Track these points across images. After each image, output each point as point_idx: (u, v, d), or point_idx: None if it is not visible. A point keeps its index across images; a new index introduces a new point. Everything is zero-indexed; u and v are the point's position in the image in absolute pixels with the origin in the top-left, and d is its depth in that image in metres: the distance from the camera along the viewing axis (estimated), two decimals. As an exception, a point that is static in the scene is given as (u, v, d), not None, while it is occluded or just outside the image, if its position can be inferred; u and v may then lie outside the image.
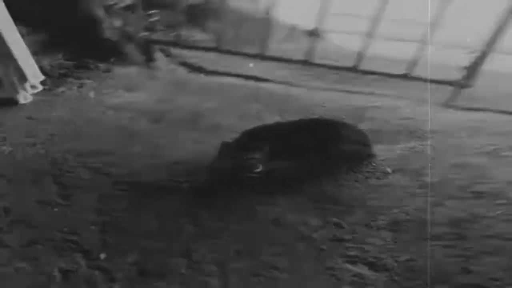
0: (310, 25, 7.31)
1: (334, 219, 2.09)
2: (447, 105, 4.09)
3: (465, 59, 4.12)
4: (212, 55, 5.17)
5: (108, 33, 4.27)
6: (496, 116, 3.76)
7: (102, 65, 4.09)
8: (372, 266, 1.78)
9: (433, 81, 4.31)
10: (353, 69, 4.39)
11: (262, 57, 4.62)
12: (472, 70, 4.04)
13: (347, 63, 4.59)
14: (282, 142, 2.50)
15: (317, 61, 4.75)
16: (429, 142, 3.03)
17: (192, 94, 3.82)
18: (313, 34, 8.13)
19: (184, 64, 4.84)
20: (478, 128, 3.36)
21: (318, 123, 2.81)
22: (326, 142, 2.56)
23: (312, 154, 2.54)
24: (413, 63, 4.20)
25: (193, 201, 2.18)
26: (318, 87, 4.45)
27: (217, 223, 2.00)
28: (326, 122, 2.87)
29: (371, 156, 2.72)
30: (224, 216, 2.06)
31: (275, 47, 6.47)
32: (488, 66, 4.46)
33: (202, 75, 4.53)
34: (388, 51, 6.96)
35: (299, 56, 4.83)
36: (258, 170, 2.34)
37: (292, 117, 3.32)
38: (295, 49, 5.76)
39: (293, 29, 8.23)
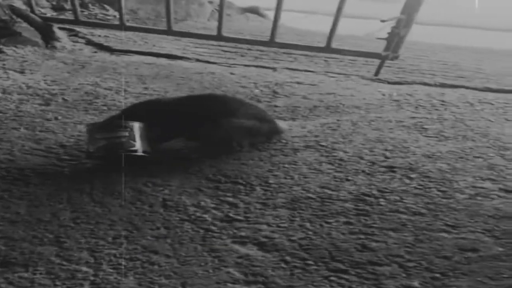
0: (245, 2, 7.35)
1: (230, 199, 2.08)
2: (373, 79, 4.13)
3: (388, 31, 4.14)
4: (124, 34, 5.12)
5: None
6: (425, 89, 3.83)
7: (-9, 46, 3.99)
8: (262, 246, 1.77)
9: (358, 54, 4.34)
10: (270, 43, 4.38)
11: (171, 33, 4.57)
12: (397, 41, 4.07)
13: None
14: (170, 119, 2.47)
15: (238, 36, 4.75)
16: (347, 117, 3.05)
17: (93, 74, 3.76)
18: (248, 11, 8.15)
19: (91, 43, 4.76)
20: (404, 101, 3.41)
21: (208, 98, 2.79)
22: (218, 117, 2.54)
23: (206, 131, 2.51)
24: (333, 36, 4.21)
25: (74, 186, 2.14)
26: (238, 64, 4.43)
27: (98, 208, 1.97)
28: (217, 98, 2.86)
29: (273, 132, 2.71)
30: (107, 200, 2.02)
31: (199, 25, 6.47)
32: (415, 37, 4.54)
33: (108, 54, 4.46)
34: (318, 26, 7.06)
35: (230, 34, 4.83)
36: (133, 149, 2.29)
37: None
38: (226, 27, 5.73)
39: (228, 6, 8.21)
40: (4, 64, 3.81)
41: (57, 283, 1.55)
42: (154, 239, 1.79)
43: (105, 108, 3.05)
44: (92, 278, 1.58)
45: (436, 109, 3.32)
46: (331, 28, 4.13)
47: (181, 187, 2.17)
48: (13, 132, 2.64)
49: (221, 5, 4.36)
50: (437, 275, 1.63)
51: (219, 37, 4.51)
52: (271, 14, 8.38)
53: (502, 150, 2.60)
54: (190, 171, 2.32)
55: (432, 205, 2.07)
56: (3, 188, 2.10)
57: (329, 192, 2.17)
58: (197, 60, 4.53)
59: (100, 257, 1.68)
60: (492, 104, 3.47)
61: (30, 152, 2.43)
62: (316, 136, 2.77)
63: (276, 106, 3.27)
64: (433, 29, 8.34)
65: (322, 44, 4.35)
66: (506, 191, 2.19)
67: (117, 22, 4.87)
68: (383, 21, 3.80)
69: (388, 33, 4.03)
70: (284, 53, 5.08)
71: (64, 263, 1.64)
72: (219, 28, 4.42)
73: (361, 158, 2.51)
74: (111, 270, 1.61)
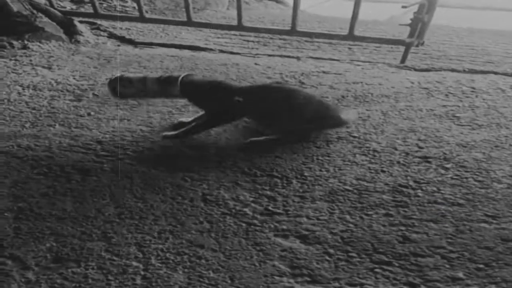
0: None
1: (268, 192, 2.15)
2: (400, 66, 4.16)
3: (410, 15, 4.16)
4: (145, 26, 5.18)
5: (16, 7, 4.23)
6: (454, 75, 3.86)
7: (16, 42, 4.07)
8: (304, 239, 1.84)
9: (382, 41, 4.37)
10: (292, 32, 4.43)
11: (191, 24, 4.63)
12: (421, 27, 4.10)
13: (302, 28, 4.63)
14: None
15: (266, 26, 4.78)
16: (377, 107, 3.10)
17: (119, 68, 3.83)
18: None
19: (114, 36, 4.83)
20: (433, 89, 3.45)
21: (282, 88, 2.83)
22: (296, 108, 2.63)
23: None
24: (355, 23, 4.24)
25: (115, 182, 2.22)
26: (261, 54, 4.48)
27: (141, 203, 2.05)
28: (288, 87, 2.93)
29: (338, 123, 2.78)
30: (148, 196, 2.10)
31: (219, 14, 6.52)
32: (439, 21, 4.54)
33: (131, 47, 4.53)
34: (339, 11, 7.08)
35: (250, 23, 4.89)
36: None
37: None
38: (246, 16, 5.76)
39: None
40: (31, 60, 3.90)
41: (110, 278, 1.64)
42: (199, 234, 1.86)
43: (135, 102, 3.12)
44: (142, 272, 1.66)
45: (467, 97, 3.36)
46: (352, 15, 4.16)
47: (218, 182, 2.24)
48: (49, 129, 2.72)
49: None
50: (481, 265, 1.69)
51: (240, 27, 4.56)
52: (290, 0, 8.41)
53: (538, 138, 2.66)
54: (224, 165, 2.39)
55: (470, 195, 2.13)
56: (47, 185, 2.18)
57: (366, 184, 2.23)
58: (220, 51, 4.59)
59: (148, 252, 1.76)
60: (524, 90, 3.51)
61: (69, 149, 2.51)
62: (347, 127, 2.82)
63: (304, 97, 3.32)
64: (457, 12, 8.33)
65: (345, 31, 4.38)
66: (545, 179, 2.25)
67: (136, 14, 4.92)
68: (404, 7, 3.83)
69: (411, 19, 4.06)
70: (307, 41, 5.14)
71: (114, 258, 1.73)
72: (239, 18, 4.46)
73: (395, 148, 2.57)
74: (160, 265, 1.70)
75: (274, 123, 2.65)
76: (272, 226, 1.92)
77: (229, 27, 4.86)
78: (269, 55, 4.44)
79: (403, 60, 4.22)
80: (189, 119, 2.79)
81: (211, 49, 4.61)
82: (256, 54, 4.47)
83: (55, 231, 1.86)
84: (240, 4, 4.45)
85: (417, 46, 4.20)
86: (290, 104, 2.60)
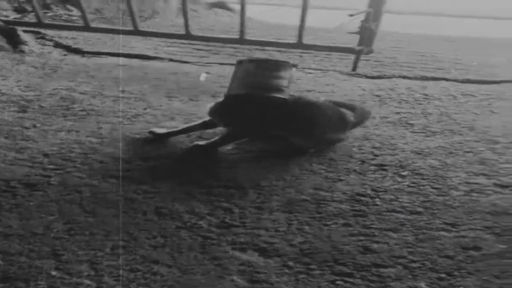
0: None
1: (224, 204, 2.11)
2: (352, 73, 4.17)
3: (357, 22, 4.18)
4: (93, 35, 5.10)
5: None
6: (406, 82, 3.88)
7: (-43, 55, 3.95)
8: (262, 252, 1.80)
9: (332, 49, 4.37)
10: (241, 41, 4.40)
11: (137, 33, 4.56)
12: (369, 34, 4.12)
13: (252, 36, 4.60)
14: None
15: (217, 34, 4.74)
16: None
17: (66, 78, 3.74)
18: (216, 6, 8.14)
19: (60, 45, 4.73)
20: (385, 96, 3.46)
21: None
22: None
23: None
24: (303, 32, 4.22)
25: (63, 196, 2.14)
26: (212, 63, 4.44)
27: (91, 218, 1.98)
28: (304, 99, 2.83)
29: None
30: (98, 210, 2.04)
31: (168, 22, 6.46)
32: (388, 27, 4.57)
33: (78, 56, 4.44)
34: (289, 18, 7.08)
35: (199, 32, 4.84)
36: None
37: (183, 96, 3.32)
38: (194, 24, 5.71)
39: (193, 2, 8.19)
40: (-27, 72, 3.79)
41: (60, 298, 1.57)
42: (153, 249, 1.81)
43: (84, 113, 3.04)
44: (95, 291, 1.60)
45: (420, 103, 3.38)
46: (300, 24, 4.15)
47: (172, 194, 2.18)
48: (-8, 142, 2.63)
49: (184, 3, 4.33)
50: (443, 275, 1.69)
51: (188, 35, 4.50)
52: (239, 8, 8.33)
53: (492, 144, 2.68)
54: (178, 176, 2.34)
55: (428, 203, 2.13)
56: (-9, 201, 2.09)
57: (323, 193, 2.21)
58: (170, 60, 4.52)
59: (100, 269, 1.70)
60: (475, 96, 3.55)
61: (14, 162, 2.42)
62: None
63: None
64: (408, 18, 8.45)
65: (294, 39, 4.36)
66: (501, 186, 2.25)
67: (82, 23, 4.82)
68: (351, 15, 3.85)
69: (359, 27, 4.07)
70: (257, 49, 5.11)
71: (65, 276, 1.66)
72: (186, 26, 4.40)
73: (351, 156, 2.56)
74: (113, 282, 1.64)
75: (306, 135, 2.60)
76: (230, 239, 1.88)
77: (178, 36, 4.79)
78: (221, 64, 4.39)
79: (354, 67, 4.24)
80: (165, 131, 2.71)
81: (161, 58, 4.55)
82: (207, 63, 4.42)
83: (1, 249, 1.78)
84: (186, 12, 4.39)
85: (367, 53, 4.21)
86: (319, 115, 2.63)
